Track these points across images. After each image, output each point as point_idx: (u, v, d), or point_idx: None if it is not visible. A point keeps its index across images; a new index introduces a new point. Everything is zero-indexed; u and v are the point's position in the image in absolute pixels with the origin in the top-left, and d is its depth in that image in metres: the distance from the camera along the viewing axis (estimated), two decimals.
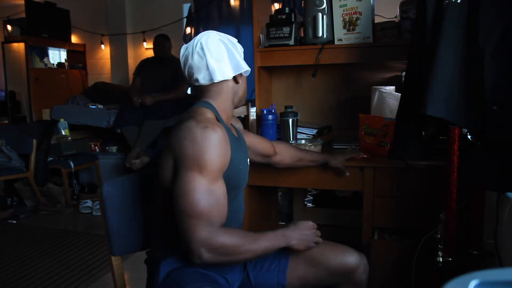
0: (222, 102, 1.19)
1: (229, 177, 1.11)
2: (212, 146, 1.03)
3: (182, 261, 1.14)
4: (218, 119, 1.16)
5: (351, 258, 1.21)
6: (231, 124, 1.27)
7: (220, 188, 1.06)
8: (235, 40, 1.22)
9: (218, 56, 1.14)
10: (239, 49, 1.21)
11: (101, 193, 1.25)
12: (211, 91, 1.18)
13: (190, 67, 1.16)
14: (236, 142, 1.19)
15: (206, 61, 1.13)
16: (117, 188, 1.28)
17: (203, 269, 1.13)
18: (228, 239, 1.03)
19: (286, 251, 1.23)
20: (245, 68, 1.19)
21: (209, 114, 1.14)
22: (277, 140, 1.81)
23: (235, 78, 1.19)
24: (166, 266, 1.15)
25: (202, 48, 1.13)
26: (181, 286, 1.06)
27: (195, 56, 1.14)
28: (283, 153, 1.58)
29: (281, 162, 1.59)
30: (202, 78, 1.15)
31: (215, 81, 1.15)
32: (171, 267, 1.14)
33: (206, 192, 1.02)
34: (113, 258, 1.28)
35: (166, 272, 1.14)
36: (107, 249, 1.28)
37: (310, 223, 1.18)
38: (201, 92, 1.19)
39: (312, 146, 1.51)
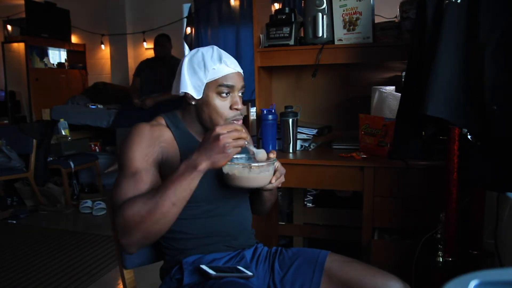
0: (189, 115, 1.15)
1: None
2: (131, 141, 1.06)
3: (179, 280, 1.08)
4: (170, 125, 1.14)
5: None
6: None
7: (142, 179, 1.03)
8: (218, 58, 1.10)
9: (191, 71, 1.10)
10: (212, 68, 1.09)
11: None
12: (183, 102, 1.16)
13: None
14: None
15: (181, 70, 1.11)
16: None
17: None
18: (131, 209, 0.95)
19: (319, 270, 1.11)
20: (194, 95, 1.10)
21: (159, 120, 1.15)
22: None
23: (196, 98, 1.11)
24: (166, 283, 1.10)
25: (187, 59, 1.11)
26: None
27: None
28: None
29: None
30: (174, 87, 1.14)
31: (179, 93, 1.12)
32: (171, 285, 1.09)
33: (127, 185, 1.02)
34: (125, 271, 1.16)
35: None
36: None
37: (215, 132, 0.93)
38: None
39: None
